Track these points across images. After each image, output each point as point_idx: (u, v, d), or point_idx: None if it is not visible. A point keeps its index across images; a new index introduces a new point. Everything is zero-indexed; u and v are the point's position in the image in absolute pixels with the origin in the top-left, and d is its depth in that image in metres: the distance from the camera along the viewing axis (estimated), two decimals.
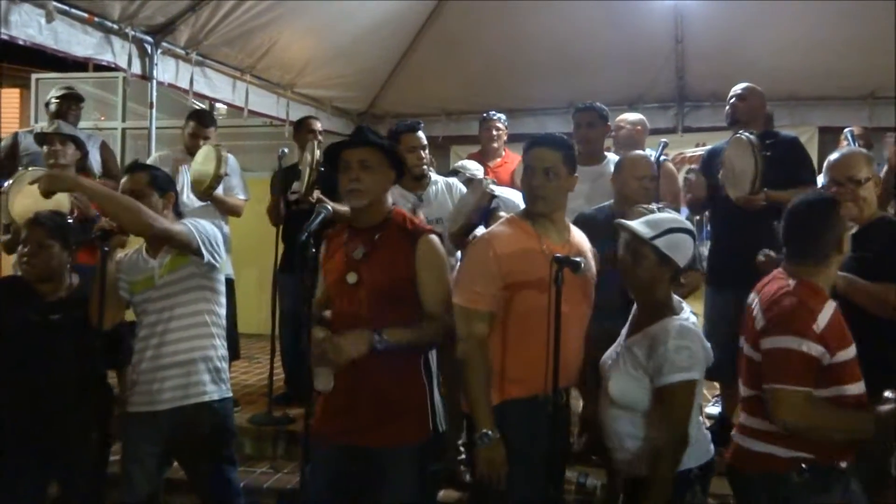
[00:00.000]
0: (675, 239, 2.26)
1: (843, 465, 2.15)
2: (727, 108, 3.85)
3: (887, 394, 2.13)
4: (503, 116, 4.90)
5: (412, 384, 2.44)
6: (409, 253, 2.41)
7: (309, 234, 2.18)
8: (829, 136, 5.65)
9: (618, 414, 2.32)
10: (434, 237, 2.49)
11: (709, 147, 4.28)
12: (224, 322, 2.80)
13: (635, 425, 2.28)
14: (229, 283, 4.26)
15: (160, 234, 2.57)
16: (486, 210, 3.27)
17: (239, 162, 4.68)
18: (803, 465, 2.11)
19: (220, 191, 4.28)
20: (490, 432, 2.29)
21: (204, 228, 2.67)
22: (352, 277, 2.41)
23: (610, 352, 2.43)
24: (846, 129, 4.37)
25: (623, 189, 3.25)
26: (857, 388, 2.16)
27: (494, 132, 4.84)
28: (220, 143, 4.27)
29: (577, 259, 2.19)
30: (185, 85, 4.63)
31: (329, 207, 2.36)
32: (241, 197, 4.56)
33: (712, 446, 2.37)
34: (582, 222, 3.22)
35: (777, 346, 2.12)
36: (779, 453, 2.16)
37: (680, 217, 2.54)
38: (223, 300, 2.80)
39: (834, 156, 2.84)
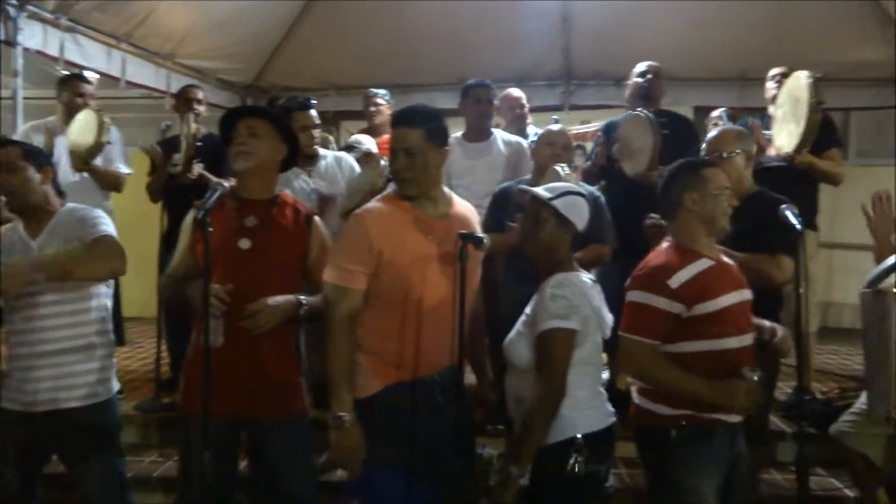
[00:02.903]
0: (571, 200, 2.33)
1: (730, 419, 2.26)
2: (642, 81, 3.93)
3: (744, 370, 2.22)
4: (385, 92, 4.84)
5: (291, 358, 2.52)
6: (304, 230, 2.50)
7: (206, 211, 2.10)
8: (704, 115, 5.97)
9: (512, 375, 2.36)
10: (320, 219, 2.61)
11: (605, 122, 4.38)
12: (110, 312, 2.64)
13: (525, 386, 2.28)
14: None
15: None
16: (382, 190, 3.26)
17: None
18: (683, 423, 2.23)
19: (99, 162, 4.04)
20: (345, 416, 2.23)
21: (110, 223, 2.53)
22: (244, 243, 2.40)
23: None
24: (720, 109, 4.62)
25: (538, 158, 3.37)
26: (728, 342, 2.26)
27: (374, 108, 4.81)
28: (101, 108, 4.01)
29: (481, 236, 2.21)
30: (54, 52, 4.29)
31: (226, 185, 2.28)
32: (123, 170, 4.31)
33: (612, 415, 2.38)
34: (500, 195, 3.29)
35: (632, 300, 2.29)
36: (661, 410, 2.27)
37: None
38: (110, 289, 2.63)
39: (710, 133, 3.05)
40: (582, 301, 2.25)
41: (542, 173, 3.20)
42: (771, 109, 4.11)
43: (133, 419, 3.88)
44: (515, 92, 4.65)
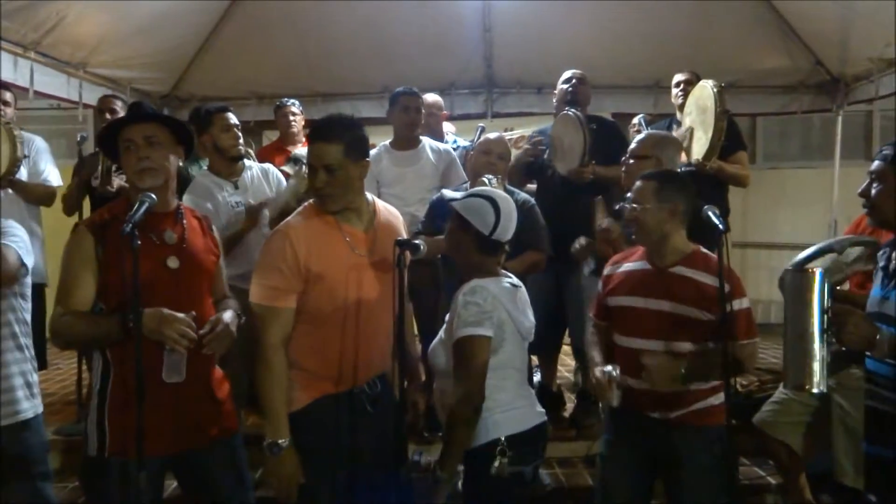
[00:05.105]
0: (471, 202, 2.27)
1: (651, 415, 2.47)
2: (567, 87, 4.05)
3: (605, 366, 2.45)
4: (297, 102, 5.05)
5: (218, 376, 2.41)
6: (211, 238, 2.42)
7: (134, 224, 2.01)
8: (622, 121, 6.14)
9: (438, 380, 2.38)
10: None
11: (535, 129, 4.47)
12: (31, 331, 2.52)
13: (449, 391, 2.28)
14: (41, 287, 3.85)
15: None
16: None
17: None
18: None
19: (24, 176, 3.87)
20: (282, 442, 2.18)
21: (20, 237, 2.38)
22: (173, 262, 2.24)
23: None
24: (638, 116, 4.77)
25: (473, 166, 3.41)
26: (629, 341, 2.45)
27: (291, 118, 4.91)
28: (10, 121, 3.84)
29: (417, 242, 2.22)
30: None
31: (153, 196, 2.17)
32: (53, 183, 4.14)
33: (540, 416, 2.39)
34: (437, 202, 3.32)
35: None
36: None
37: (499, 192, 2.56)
38: (27, 303, 2.51)
39: (633, 141, 3.18)
40: (495, 306, 2.23)
41: (475, 177, 3.24)
42: (679, 115, 4.28)
43: (55, 444, 3.68)
44: (430, 97, 4.71)
